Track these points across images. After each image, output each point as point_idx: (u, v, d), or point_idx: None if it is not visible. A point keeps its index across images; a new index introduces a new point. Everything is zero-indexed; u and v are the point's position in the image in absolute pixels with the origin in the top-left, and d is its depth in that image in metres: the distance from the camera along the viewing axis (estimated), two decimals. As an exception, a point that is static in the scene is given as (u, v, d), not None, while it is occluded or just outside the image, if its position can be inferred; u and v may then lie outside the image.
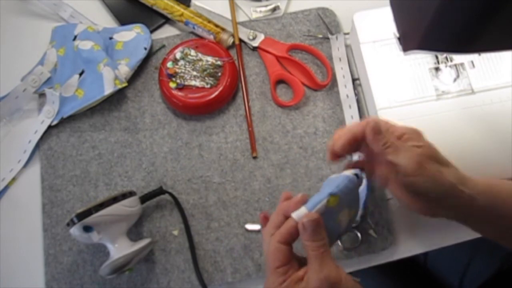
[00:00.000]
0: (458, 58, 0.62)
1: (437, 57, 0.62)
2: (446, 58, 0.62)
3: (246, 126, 0.68)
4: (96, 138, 0.69)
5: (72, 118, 0.70)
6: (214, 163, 0.66)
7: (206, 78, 0.68)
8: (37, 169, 0.68)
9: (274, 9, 0.74)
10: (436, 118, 0.59)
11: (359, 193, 0.49)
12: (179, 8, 0.72)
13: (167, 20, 0.74)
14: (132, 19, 0.73)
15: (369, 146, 0.47)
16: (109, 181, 0.67)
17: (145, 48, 0.70)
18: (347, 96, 0.67)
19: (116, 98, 0.70)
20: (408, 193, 0.47)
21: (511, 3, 0.33)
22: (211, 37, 0.71)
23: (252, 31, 0.71)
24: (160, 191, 0.64)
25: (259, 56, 0.71)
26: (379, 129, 0.46)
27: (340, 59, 0.69)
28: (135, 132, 0.69)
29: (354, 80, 0.68)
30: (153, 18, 0.74)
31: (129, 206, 0.59)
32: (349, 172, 0.47)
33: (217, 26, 0.71)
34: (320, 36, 0.71)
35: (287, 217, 0.45)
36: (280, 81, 0.70)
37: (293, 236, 0.44)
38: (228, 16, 0.73)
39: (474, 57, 0.62)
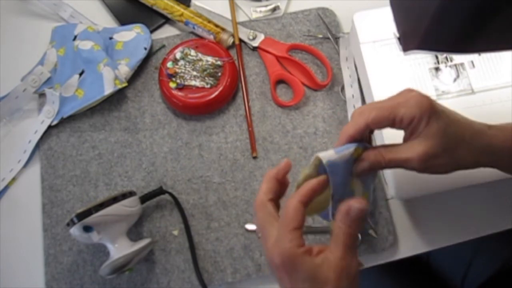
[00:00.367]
0: (458, 58, 0.62)
1: (437, 57, 0.63)
2: (446, 58, 0.62)
3: (246, 126, 0.68)
4: (96, 138, 0.69)
5: (72, 118, 0.70)
6: (214, 163, 0.66)
7: (206, 78, 0.68)
8: (37, 169, 0.68)
9: (274, 9, 0.74)
10: (436, 118, 0.59)
11: (370, 177, 0.48)
12: (179, 8, 0.72)
13: (167, 20, 0.74)
14: (132, 19, 0.73)
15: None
16: (109, 181, 0.67)
17: (145, 48, 0.70)
18: (353, 96, 0.67)
19: (116, 98, 0.70)
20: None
21: (511, 3, 0.33)
22: (211, 37, 0.71)
23: (252, 31, 0.71)
24: (160, 191, 0.64)
25: (259, 56, 0.71)
26: (378, 162, 0.45)
27: (346, 59, 0.69)
28: (135, 132, 0.69)
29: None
30: (153, 18, 0.74)
31: (129, 206, 0.59)
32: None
33: (217, 26, 0.71)
34: (320, 36, 0.71)
35: (279, 181, 0.45)
36: (280, 81, 0.70)
37: (316, 194, 0.42)
38: (228, 16, 0.73)
39: (474, 57, 0.62)
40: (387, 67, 0.62)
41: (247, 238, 0.63)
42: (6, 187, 0.68)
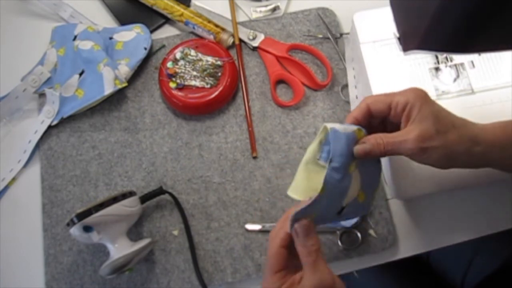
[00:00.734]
0: (458, 58, 0.62)
1: (437, 57, 0.62)
2: (446, 58, 0.62)
3: (246, 126, 0.68)
4: (96, 138, 0.69)
5: (72, 118, 0.70)
6: (214, 163, 0.66)
7: (206, 78, 0.68)
8: (37, 169, 0.68)
9: (274, 9, 0.74)
10: (436, 118, 0.59)
11: (370, 173, 0.51)
12: (179, 8, 0.72)
13: (167, 20, 0.74)
14: (132, 19, 0.73)
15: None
16: (109, 181, 0.67)
17: (145, 48, 0.70)
18: (356, 97, 0.67)
19: (116, 98, 0.70)
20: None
21: (511, 3, 0.33)
22: (211, 37, 0.71)
23: (252, 31, 0.71)
24: (160, 191, 0.64)
25: (259, 56, 0.71)
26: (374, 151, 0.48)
27: (352, 59, 0.69)
28: (135, 132, 0.69)
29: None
30: (153, 18, 0.74)
31: (129, 206, 0.59)
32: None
33: (217, 26, 0.71)
34: (320, 36, 0.71)
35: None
36: (280, 81, 0.70)
37: (292, 240, 0.46)
38: (228, 16, 0.73)
39: (474, 57, 0.62)
40: (387, 67, 0.62)
41: (247, 238, 0.63)
42: (6, 187, 0.68)
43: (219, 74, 0.68)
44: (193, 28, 0.72)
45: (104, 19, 0.75)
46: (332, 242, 0.62)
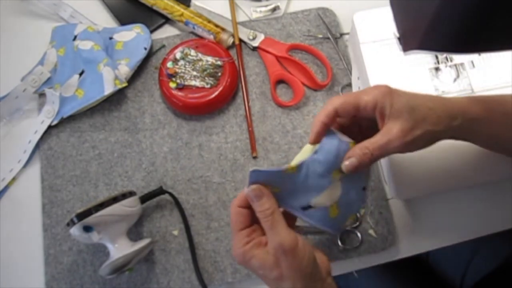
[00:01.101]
0: (458, 58, 0.62)
1: (437, 57, 0.63)
2: (446, 58, 0.62)
3: (246, 126, 0.68)
4: (96, 138, 0.69)
5: (72, 118, 0.70)
6: (214, 163, 0.66)
7: (206, 78, 0.68)
8: (37, 169, 0.68)
9: (274, 9, 0.74)
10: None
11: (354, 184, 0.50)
12: (179, 8, 0.72)
13: (167, 20, 0.74)
14: (132, 19, 0.73)
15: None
16: (109, 181, 0.67)
17: (145, 48, 0.70)
18: None
19: (116, 98, 0.70)
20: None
21: (511, 3, 0.33)
22: (211, 37, 0.71)
23: (252, 31, 0.71)
24: (160, 191, 0.64)
25: (259, 56, 0.71)
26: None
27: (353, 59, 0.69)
28: (135, 132, 0.69)
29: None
30: (153, 18, 0.74)
31: (129, 206, 0.59)
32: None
33: (217, 26, 0.71)
34: (320, 36, 0.71)
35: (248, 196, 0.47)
36: (280, 81, 0.70)
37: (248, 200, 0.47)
38: (228, 16, 0.73)
39: (474, 57, 0.62)
40: (387, 67, 0.62)
41: (247, 238, 0.63)
42: (6, 187, 0.68)
43: (219, 74, 0.68)
44: (193, 28, 0.72)
45: (104, 19, 0.75)
46: (332, 242, 0.62)
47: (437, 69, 0.62)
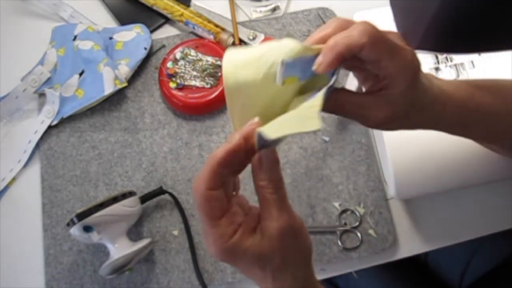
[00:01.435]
0: (458, 58, 0.62)
1: (437, 57, 0.62)
2: (446, 58, 0.62)
3: (246, 126, 0.68)
4: (96, 138, 0.69)
5: (72, 118, 0.70)
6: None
7: (206, 78, 0.68)
8: (37, 169, 0.68)
9: (274, 9, 0.74)
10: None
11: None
12: (179, 8, 0.72)
13: (167, 20, 0.74)
14: (132, 19, 0.73)
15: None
16: (109, 181, 0.67)
17: (145, 48, 0.70)
18: None
19: (116, 98, 0.70)
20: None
21: (511, 3, 0.33)
22: (211, 37, 0.71)
23: (252, 31, 0.71)
24: (160, 191, 0.64)
25: (259, 56, 0.71)
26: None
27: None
28: (135, 132, 0.69)
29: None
30: (153, 18, 0.74)
31: (129, 206, 0.59)
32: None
33: (217, 26, 0.71)
34: (320, 36, 0.71)
35: (219, 164, 0.36)
36: (280, 81, 0.70)
37: (221, 177, 0.36)
38: (228, 16, 0.73)
39: (474, 57, 0.62)
40: (387, 67, 0.62)
41: (247, 238, 0.63)
42: (6, 187, 0.68)
43: (219, 74, 0.68)
44: (193, 28, 0.72)
45: (104, 19, 0.75)
46: (332, 242, 0.62)
47: (437, 69, 0.62)
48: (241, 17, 0.74)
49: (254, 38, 0.71)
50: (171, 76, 0.68)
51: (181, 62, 0.68)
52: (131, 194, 0.60)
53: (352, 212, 0.63)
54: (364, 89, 0.42)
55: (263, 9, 0.74)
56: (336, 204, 0.63)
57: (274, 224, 0.36)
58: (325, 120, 0.67)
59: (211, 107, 0.68)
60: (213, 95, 0.67)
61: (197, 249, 0.63)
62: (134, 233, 0.64)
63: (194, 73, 0.68)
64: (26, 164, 0.68)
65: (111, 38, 0.71)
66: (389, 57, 0.37)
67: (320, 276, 0.62)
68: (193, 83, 0.67)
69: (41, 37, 0.73)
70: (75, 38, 0.70)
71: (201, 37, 0.72)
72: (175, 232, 0.64)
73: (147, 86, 0.71)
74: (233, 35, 0.71)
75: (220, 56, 0.68)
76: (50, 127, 0.69)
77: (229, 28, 0.72)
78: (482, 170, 0.56)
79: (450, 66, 0.62)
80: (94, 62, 0.67)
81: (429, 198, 0.63)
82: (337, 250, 0.62)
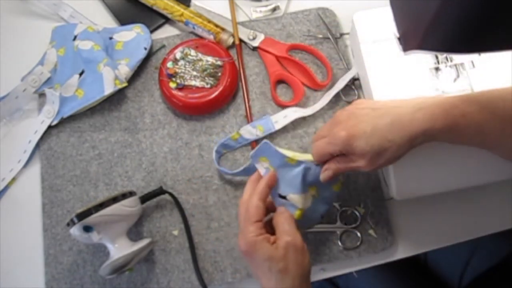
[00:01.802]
0: (458, 58, 0.62)
1: (437, 57, 0.62)
2: (446, 58, 0.62)
3: (246, 126, 0.68)
4: (96, 138, 0.69)
5: (72, 118, 0.70)
6: (214, 163, 0.66)
7: (206, 78, 0.68)
8: (37, 169, 0.68)
9: (274, 9, 0.74)
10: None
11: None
12: (179, 8, 0.72)
13: (167, 20, 0.74)
14: (132, 19, 0.73)
15: None
16: (109, 181, 0.67)
17: (145, 48, 0.70)
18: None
19: (116, 98, 0.70)
20: None
21: (511, 3, 0.33)
22: (211, 37, 0.71)
23: (252, 31, 0.71)
24: (160, 191, 0.64)
25: (259, 56, 0.71)
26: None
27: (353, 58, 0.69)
28: (135, 132, 0.69)
29: (354, 80, 0.68)
30: (153, 18, 0.74)
31: (129, 206, 0.59)
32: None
33: (217, 26, 0.71)
34: (320, 36, 0.71)
35: (268, 186, 0.54)
36: (280, 81, 0.70)
37: (267, 196, 0.54)
38: (228, 16, 0.73)
39: (474, 57, 0.62)
40: (387, 67, 0.62)
41: (247, 238, 0.63)
42: (6, 187, 0.68)
43: (219, 74, 0.68)
44: (193, 28, 0.72)
45: (104, 19, 0.75)
46: (332, 242, 0.62)
47: (437, 69, 0.62)
48: (241, 17, 0.74)
49: (254, 38, 0.71)
50: (171, 76, 0.68)
51: (181, 62, 0.68)
52: (131, 194, 0.60)
53: (352, 212, 0.63)
54: None
55: (263, 9, 0.74)
56: (336, 204, 0.63)
57: (285, 238, 0.51)
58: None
59: (211, 107, 0.68)
60: (213, 95, 0.67)
61: (197, 249, 0.63)
62: (134, 233, 0.64)
63: (194, 73, 0.68)
64: (26, 164, 0.69)
65: (111, 38, 0.71)
66: (330, 147, 0.53)
67: (320, 276, 0.62)
68: (193, 83, 0.67)
69: (41, 37, 0.73)
70: (75, 38, 0.70)
71: (201, 37, 0.72)
72: (175, 232, 0.64)
73: (147, 86, 0.71)
74: (233, 35, 0.71)
75: (220, 56, 0.68)
76: (50, 127, 0.69)
77: (229, 28, 0.72)
78: (482, 171, 0.56)
79: (450, 66, 0.62)
80: (94, 62, 0.67)
81: (429, 198, 0.63)
82: (337, 250, 0.62)
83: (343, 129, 0.51)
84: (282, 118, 0.67)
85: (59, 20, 0.75)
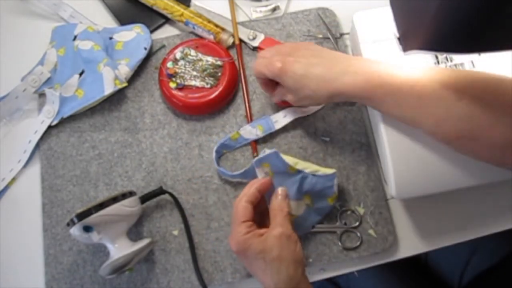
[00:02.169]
0: (458, 58, 0.62)
1: (437, 57, 0.62)
2: (446, 58, 0.62)
3: (246, 126, 0.68)
4: (96, 138, 0.69)
5: (72, 118, 0.70)
6: (214, 163, 0.66)
7: (206, 78, 0.68)
8: (37, 169, 0.68)
9: (274, 9, 0.74)
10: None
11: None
12: (179, 8, 0.72)
13: (167, 20, 0.74)
14: (132, 19, 0.73)
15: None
16: (109, 181, 0.67)
17: (145, 48, 0.70)
18: None
19: (116, 98, 0.70)
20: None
21: (511, 3, 0.33)
22: (211, 37, 0.71)
23: (252, 31, 0.71)
24: (160, 191, 0.64)
25: (259, 56, 0.71)
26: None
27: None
28: (135, 132, 0.69)
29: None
30: (153, 18, 0.74)
31: (129, 206, 0.59)
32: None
33: (217, 26, 0.71)
34: (320, 36, 0.71)
35: (258, 190, 0.57)
36: (280, 81, 0.70)
37: (256, 200, 0.57)
38: (228, 16, 0.73)
39: (474, 57, 0.62)
40: (387, 67, 0.62)
41: (247, 238, 0.63)
42: (6, 187, 0.68)
43: (219, 74, 0.68)
44: (193, 28, 0.72)
45: (104, 19, 0.75)
46: (332, 242, 0.62)
47: (437, 69, 0.62)
48: (241, 17, 0.74)
49: (254, 38, 0.71)
50: (171, 76, 0.68)
51: (181, 62, 0.68)
52: (131, 194, 0.60)
53: (352, 212, 0.63)
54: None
55: (263, 9, 0.74)
56: (336, 204, 0.63)
57: (277, 229, 0.54)
58: (325, 120, 0.67)
59: (211, 107, 0.68)
60: (213, 95, 0.67)
61: (197, 249, 0.63)
62: (134, 233, 0.64)
63: (194, 73, 0.68)
64: (26, 164, 0.69)
65: (111, 38, 0.71)
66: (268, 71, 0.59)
67: (320, 276, 0.62)
68: (193, 83, 0.67)
69: (41, 37, 0.73)
70: (75, 38, 0.70)
71: (201, 37, 0.72)
72: (175, 232, 0.64)
73: (147, 86, 0.71)
74: (233, 35, 0.71)
75: (220, 56, 0.68)
76: (50, 127, 0.69)
77: (229, 28, 0.72)
78: (482, 171, 0.56)
79: (450, 66, 0.62)
80: (94, 62, 0.67)
81: (429, 198, 0.63)
82: (337, 250, 0.62)
83: (280, 61, 0.56)
84: (282, 118, 0.67)
85: (59, 20, 0.75)
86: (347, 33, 0.71)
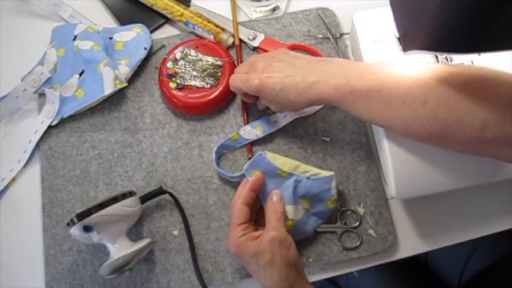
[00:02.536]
0: (458, 58, 0.62)
1: (437, 57, 0.62)
2: (446, 58, 0.62)
3: (246, 126, 0.68)
4: (96, 138, 0.69)
5: (72, 118, 0.70)
6: (214, 164, 0.66)
7: (206, 78, 0.68)
8: (37, 169, 0.68)
9: (274, 9, 0.74)
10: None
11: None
12: (179, 8, 0.72)
13: (167, 20, 0.74)
14: (132, 19, 0.73)
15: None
16: (109, 181, 0.67)
17: (145, 48, 0.70)
18: None
19: (116, 98, 0.70)
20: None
21: (511, 3, 0.33)
22: (211, 37, 0.71)
23: (252, 31, 0.71)
24: (160, 191, 0.64)
25: (259, 56, 0.71)
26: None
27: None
28: (135, 132, 0.69)
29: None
30: (153, 18, 0.74)
31: (129, 206, 0.59)
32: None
33: (217, 26, 0.71)
34: (320, 36, 0.71)
35: (251, 190, 0.58)
36: (280, 81, 0.70)
37: (252, 199, 0.58)
38: (228, 16, 0.73)
39: (474, 57, 0.62)
40: (387, 67, 0.62)
41: (247, 238, 0.63)
42: (6, 187, 0.68)
43: (219, 74, 0.68)
44: (193, 28, 0.72)
45: (104, 19, 0.75)
46: (332, 242, 0.62)
47: (437, 69, 0.62)
48: (241, 17, 0.74)
49: (254, 38, 0.71)
50: (171, 76, 0.68)
51: (181, 62, 0.68)
52: (131, 194, 0.60)
53: (352, 212, 0.63)
54: None
55: (263, 9, 0.74)
56: (336, 204, 0.63)
57: (270, 233, 0.54)
58: (325, 120, 0.67)
59: (211, 107, 0.68)
60: (213, 95, 0.67)
61: (197, 249, 0.63)
62: (134, 233, 0.64)
63: (194, 73, 0.68)
64: (26, 164, 0.69)
65: (111, 38, 0.71)
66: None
67: (320, 276, 0.62)
68: (193, 83, 0.67)
69: (41, 37, 0.73)
70: (75, 38, 0.70)
71: (201, 37, 0.72)
72: (175, 232, 0.64)
73: (147, 86, 0.71)
74: (233, 35, 0.71)
75: (220, 56, 0.68)
76: (50, 127, 0.69)
77: (229, 28, 0.72)
78: (482, 171, 0.56)
79: (450, 66, 0.62)
80: (94, 62, 0.67)
81: (429, 198, 0.63)
82: (337, 250, 0.62)
83: (258, 78, 0.58)
84: (282, 118, 0.67)
85: (59, 20, 0.75)
86: (347, 33, 0.71)
